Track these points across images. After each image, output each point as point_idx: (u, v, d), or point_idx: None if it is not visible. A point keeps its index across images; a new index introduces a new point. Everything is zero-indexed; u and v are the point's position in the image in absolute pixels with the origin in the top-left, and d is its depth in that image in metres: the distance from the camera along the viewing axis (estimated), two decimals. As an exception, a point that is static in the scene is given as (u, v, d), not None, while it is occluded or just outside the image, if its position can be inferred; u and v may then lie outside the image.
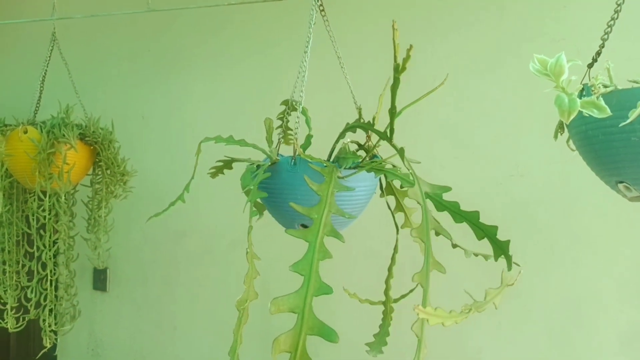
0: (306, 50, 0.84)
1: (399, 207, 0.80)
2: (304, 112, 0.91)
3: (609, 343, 1.24)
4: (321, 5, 0.88)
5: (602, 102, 0.55)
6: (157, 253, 1.96)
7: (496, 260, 0.75)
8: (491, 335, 1.36)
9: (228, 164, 0.83)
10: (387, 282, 0.82)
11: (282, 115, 0.84)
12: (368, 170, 0.80)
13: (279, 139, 0.82)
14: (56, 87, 1.50)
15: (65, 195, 1.16)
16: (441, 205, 0.75)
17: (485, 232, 0.73)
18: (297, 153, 0.80)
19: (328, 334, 0.52)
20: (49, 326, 1.20)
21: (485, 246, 0.75)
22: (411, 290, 0.79)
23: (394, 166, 0.80)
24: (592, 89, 0.58)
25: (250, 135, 0.88)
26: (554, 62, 0.57)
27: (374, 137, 0.83)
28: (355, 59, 1.55)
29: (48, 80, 1.42)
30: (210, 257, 1.83)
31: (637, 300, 1.19)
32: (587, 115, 0.56)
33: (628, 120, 0.52)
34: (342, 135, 0.87)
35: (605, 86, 0.60)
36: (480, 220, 0.72)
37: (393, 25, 0.67)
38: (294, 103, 0.84)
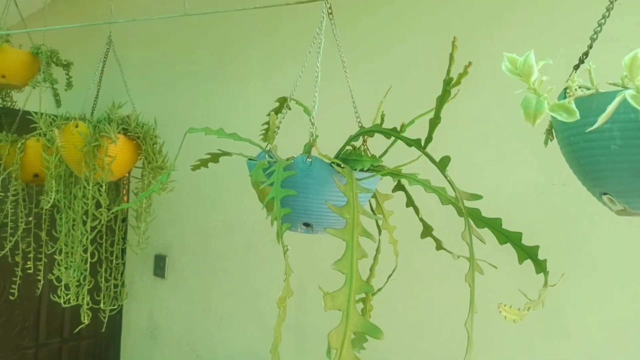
0: (313, 52, 0.85)
1: (379, 209, 0.80)
2: (307, 112, 0.92)
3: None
4: (330, 8, 0.89)
5: (573, 106, 0.51)
6: (208, 245, 2.06)
7: (520, 263, 0.74)
8: (524, 353, 1.28)
9: (215, 157, 0.86)
10: (368, 280, 0.82)
11: (274, 112, 0.86)
12: (383, 175, 0.81)
13: (263, 134, 0.84)
14: (132, 87, 1.63)
15: (107, 185, 1.27)
16: (461, 212, 0.75)
17: (508, 237, 0.73)
18: (310, 153, 0.82)
19: (372, 331, 0.54)
20: (87, 304, 1.31)
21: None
22: (379, 289, 0.79)
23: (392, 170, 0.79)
24: (568, 91, 0.53)
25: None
26: (522, 62, 0.53)
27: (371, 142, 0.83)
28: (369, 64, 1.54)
29: (120, 81, 1.55)
30: (252, 252, 1.89)
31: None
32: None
33: (595, 126, 0.48)
34: (355, 138, 0.88)
35: (587, 89, 0.55)
36: (504, 227, 0.72)
37: (454, 42, 0.68)
38: (290, 102, 0.85)
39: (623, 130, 0.52)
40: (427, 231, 0.83)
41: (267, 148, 0.86)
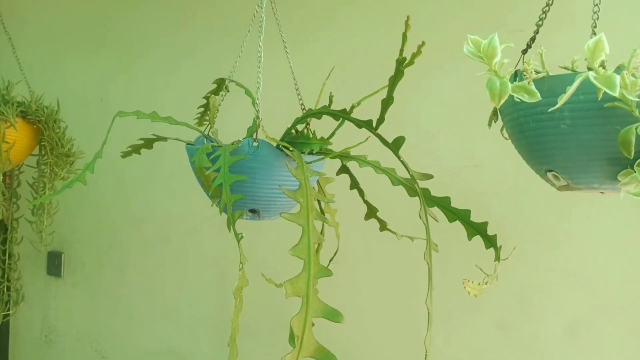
0: (253, 30, 0.82)
1: (320, 193, 0.80)
2: (248, 94, 0.88)
3: (554, 333, 1.25)
4: (267, -13, 0.86)
5: (533, 87, 0.54)
6: (114, 239, 1.91)
7: (470, 239, 0.78)
8: (440, 323, 1.36)
9: (149, 142, 0.80)
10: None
11: (209, 95, 0.82)
12: (332, 157, 0.80)
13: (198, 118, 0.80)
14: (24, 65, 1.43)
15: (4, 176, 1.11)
16: (413, 192, 0.78)
17: (457, 215, 0.77)
18: (256, 136, 0.79)
19: (332, 315, 0.53)
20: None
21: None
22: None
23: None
24: (524, 73, 0.57)
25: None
26: (486, 44, 0.55)
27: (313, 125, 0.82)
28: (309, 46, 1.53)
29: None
30: (166, 244, 1.79)
31: (581, 291, 1.21)
32: (518, 101, 0.55)
33: (557, 106, 0.52)
34: (302, 120, 0.85)
35: (537, 72, 0.59)
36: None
37: (407, 21, 0.67)
38: (228, 84, 0.82)
39: (572, 110, 0.56)
40: (371, 213, 0.85)
41: (207, 132, 0.82)
